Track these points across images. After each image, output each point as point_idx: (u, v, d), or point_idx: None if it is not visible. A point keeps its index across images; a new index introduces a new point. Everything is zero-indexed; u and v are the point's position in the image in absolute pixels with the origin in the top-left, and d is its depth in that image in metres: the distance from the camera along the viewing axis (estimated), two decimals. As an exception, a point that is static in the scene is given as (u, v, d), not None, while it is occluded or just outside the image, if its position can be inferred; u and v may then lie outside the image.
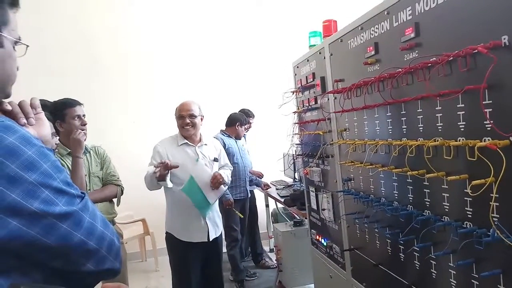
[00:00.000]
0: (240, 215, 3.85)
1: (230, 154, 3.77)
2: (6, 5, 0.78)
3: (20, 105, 0.87)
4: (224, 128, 4.18)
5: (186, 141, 2.69)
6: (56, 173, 0.73)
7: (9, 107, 0.85)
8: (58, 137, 2.36)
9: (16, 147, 0.68)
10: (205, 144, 2.78)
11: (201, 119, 2.73)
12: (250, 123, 4.57)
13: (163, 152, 2.63)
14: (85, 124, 2.31)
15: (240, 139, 4.17)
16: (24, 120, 0.84)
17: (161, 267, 4.63)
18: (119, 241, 0.86)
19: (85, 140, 2.27)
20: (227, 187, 2.93)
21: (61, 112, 2.26)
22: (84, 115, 2.32)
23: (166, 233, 2.74)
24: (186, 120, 2.64)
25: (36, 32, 4.27)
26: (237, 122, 4.09)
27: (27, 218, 0.67)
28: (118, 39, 4.95)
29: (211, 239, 2.68)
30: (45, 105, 2.43)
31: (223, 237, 3.06)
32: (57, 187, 0.72)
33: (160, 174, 2.41)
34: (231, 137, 4.06)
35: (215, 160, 2.79)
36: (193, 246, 2.66)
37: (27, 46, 0.86)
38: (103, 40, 4.89)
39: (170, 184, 2.52)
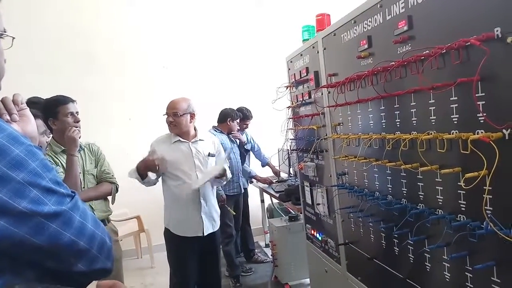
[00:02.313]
0: (233, 212, 3.84)
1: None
2: None
3: (2, 101, 0.86)
4: (216, 124, 4.16)
5: (179, 138, 2.69)
6: (45, 172, 0.72)
7: None
8: (51, 135, 2.34)
9: (3, 146, 0.66)
10: (201, 140, 2.76)
11: (191, 117, 2.70)
12: (247, 124, 4.54)
13: (158, 150, 2.63)
14: (78, 121, 2.28)
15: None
16: (7, 117, 0.83)
17: (156, 264, 4.62)
18: (111, 240, 0.85)
19: (79, 137, 2.25)
20: (224, 182, 2.94)
21: (53, 109, 2.23)
22: (77, 112, 2.29)
23: (165, 228, 2.76)
24: (169, 118, 2.66)
25: (29, 29, 4.24)
26: (228, 118, 4.06)
27: (15, 218, 0.65)
28: (113, 35, 4.90)
29: (205, 234, 2.68)
30: (39, 102, 2.43)
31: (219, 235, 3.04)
32: (46, 186, 0.70)
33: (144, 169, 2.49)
34: (223, 133, 4.04)
35: (210, 155, 2.76)
36: (188, 241, 2.66)
37: (13, 38, 0.84)
38: (97, 35, 4.84)
39: (153, 176, 2.58)
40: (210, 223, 2.73)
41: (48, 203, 0.70)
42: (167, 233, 2.74)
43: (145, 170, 2.52)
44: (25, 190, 0.67)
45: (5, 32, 0.81)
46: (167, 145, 2.67)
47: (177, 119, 2.63)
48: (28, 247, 0.68)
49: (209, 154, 2.75)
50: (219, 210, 2.89)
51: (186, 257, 2.71)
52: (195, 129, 2.77)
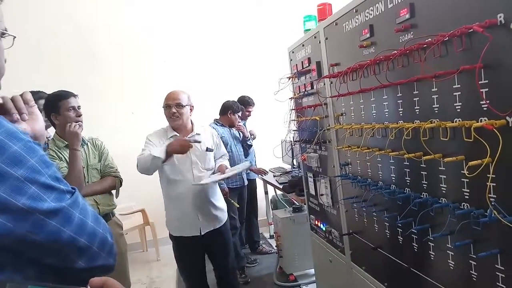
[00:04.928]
0: (236, 204, 3.84)
1: (224, 143, 3.75)
2: None
3: (12, 100, 0.85)
4: (218, 117, 4.16)
5: (175, 133, 2.60)
6: (44, 168, 0.71)
7: (0, 101, 0.83)
8: (55, 130, 2.35)
9: (0, 142, 0.66)
10: (197, 134, 2.66)
11: (191, 109, 2.64)
12: (249, 111, 4.53)
13: (156, 142, 2.57)
14: (80, 116, 2.28)
15: (234, 127, 4.14)
16: (17, 116, 0.83)
17: (162, 256, 4.66)
18: (112, 237, 0.84)
19: (81, 131, 2.26)
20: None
21: (55, 104, 2.24)
22: (79, 107, 2.30)
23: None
24: (172, 109, 2.55)
25: (30, 27, 4.25)
26: (229, 110, 4.05)
27: (14, 214, 0.65)
28: (113, 31, 4.89)
29: (203, 233, 2.59)
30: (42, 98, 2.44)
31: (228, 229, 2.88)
32: (45, 183, 0.70)
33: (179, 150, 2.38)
34: (224, 126, 4.03)
35: (208, 150, 2.65)
36: (187, 241, 2.59)
37: (14, 37, 0.83)
38: (98, 32, 4.83)
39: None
40: (209, 222, 2.62)
41: (47, 199, 0.69)
42: (169, 234, 2.69)
43: (176, 152, 2.39)
44: (24, 187, 0.66)
45: (6, 31, 0.81)
46: (164, 140, 2.59)
47: (180, 110, 2.55)
48: (28, 244, 0.67)
49: (207, 149, 2.64)
50: (223, 206, 2.77)
51: (188, 258, 2.65)
52: (191, 123, 2.70)
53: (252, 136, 4.47)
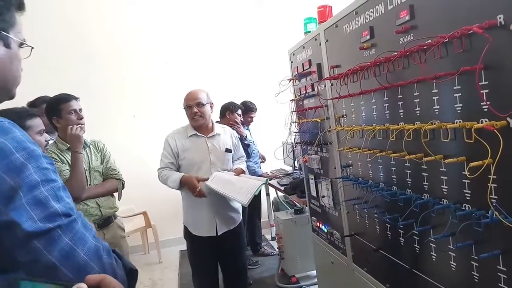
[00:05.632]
0: None
1: None
2: (13, 7, 0.76)
3: None
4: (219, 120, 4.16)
5: (195, 132, 2.60)
6: (43, 181, 0.68)
7: None
8: (57, 133, 2.36)
9: (4, 147, 0.64)
10: (218, 134, 2.66)
11: (211, 107, 2.63)
12: (252, 116, 4.54)
13: (173, 144, 2.59)
14: (81, 118, 2.29)
15: (233, 126, 4.13)
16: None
17: (164, 259, 4.66)
18: (122, 273, 0.77)
19: (83, 134, 2.27)
20: None
21: (56, 107, 2.24)
22: (80, 109, 2.31)
23: (184, 226, 2.73)
24: (193, 109, 2.53)
25: (31, 30, 4.24)
26: (227, 111, 4.07)
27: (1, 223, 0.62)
28: (115, 33, 4.90)
29: (219, 234, 2.60)
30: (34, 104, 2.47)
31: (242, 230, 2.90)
32: (38, 198, 0.66)
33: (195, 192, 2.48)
34: None
35: (227, 150, 2.67)
36: (203, 240, 2.61)
37: (32, 48, 0.83)
38: (99, 34, 4.84)
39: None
40: (225, 223, 2.64)
41: (34, 216, 0.65)
42: (186, 231, 2.70)
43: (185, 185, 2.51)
44: (15, 197, 0.63)
45: (24, 41, 0.81)
46: (183, 139, 2.60)
47: (201, 109, 2.54)
48: (10, 258, 0.64)
49: (226, 150, 2.66)
50: (238, 207, 2.76)
51: (201, 257, 2.66)
52: (212, 122, 2.68)
53: (261, 160, 4.52)
